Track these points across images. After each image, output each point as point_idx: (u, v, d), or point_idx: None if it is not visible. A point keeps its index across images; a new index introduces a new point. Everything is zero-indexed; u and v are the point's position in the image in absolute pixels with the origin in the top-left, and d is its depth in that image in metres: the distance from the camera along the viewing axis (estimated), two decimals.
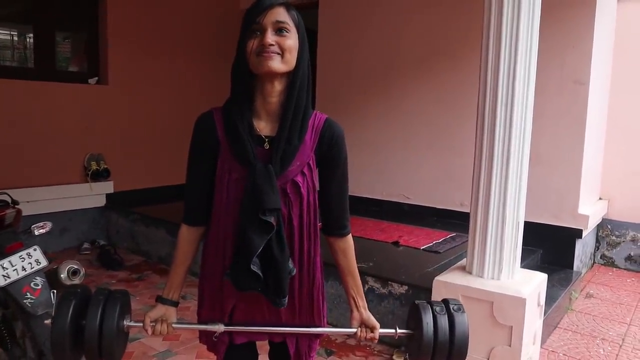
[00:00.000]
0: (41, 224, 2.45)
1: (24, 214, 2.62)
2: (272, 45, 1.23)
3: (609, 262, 4.60)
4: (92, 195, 4.75)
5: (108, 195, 4.87)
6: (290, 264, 1.35)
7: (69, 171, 4.61)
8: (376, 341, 1.49)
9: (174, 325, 1.42)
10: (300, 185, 1.32)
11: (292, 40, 1.26)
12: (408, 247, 3.62)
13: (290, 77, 1.29)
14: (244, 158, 1.28)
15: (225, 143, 1.32)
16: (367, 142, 4.88)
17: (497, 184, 2.46)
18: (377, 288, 2.98)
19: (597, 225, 4.54)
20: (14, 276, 2.17)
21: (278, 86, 1.29)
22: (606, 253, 4.62)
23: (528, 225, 3.50)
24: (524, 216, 2.55)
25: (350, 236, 1.47)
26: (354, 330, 1.45)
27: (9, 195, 2.51)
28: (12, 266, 2.18)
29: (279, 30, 1.25)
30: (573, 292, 3.68)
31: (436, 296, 2.57)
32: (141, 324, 1.39)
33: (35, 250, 2.29)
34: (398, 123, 4.73)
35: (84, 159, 4.70)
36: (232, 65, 1.32)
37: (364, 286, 2.99)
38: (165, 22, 5.20)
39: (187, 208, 1.43)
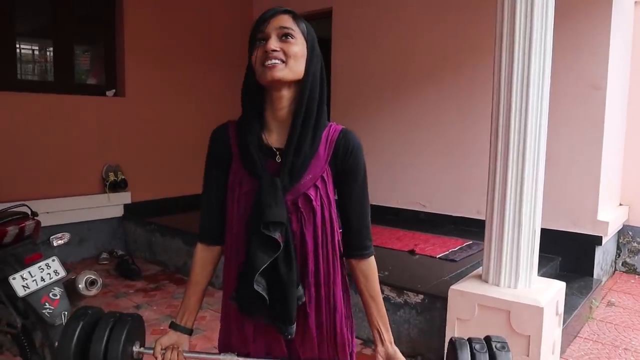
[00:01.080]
0: (59, 235, 2.49)
1: (43, 224, 2.66)
2: (275, 50, 1.18)
3: (631, 270, 4.51)
4: (110, 206, 4.81)
5: (126, 206, 4.93)
6: (300, 290, 1.26)
7: (87, 182, 4.69)
8: None
9: (185, 355, 1.33)
10: (313, 199, 1.24)
11: (297, 47, 1.21)
12: (424, 255, 3.60)
13: (299, 86, 1.23)
14: (253, 171, 1.24)
15: (237, 156, 1.29)
16: (382, 150, 4.88)
17: (512, 190, 2.43)
18: (393, 297, 2.96)
19: (618, 231, 4.46)
20: (33, 287, 2.21)
21: (286, 96, 1.24)
22: (628, 260, 4.53)
23: (546, 233, 3.44)
24: (540, 223, 2.52)
25: (372, 259, 1.35)
26: None
27: (28, 207, 2.56)
28: (32, 277, 2.22)
29: (284, 36, 1.20)
30: (593, 301, 3.61)
31: (452, 305, 2.55)
32: (151, 351, 1.33)
33: (53, 261, 2.33)
34: (413, 131, 4.72)
35: (102, 170, 4.77)
36: (243, 79, 1.28)
37: None
38: (181, 34, 5.28)
39: (202, 225, 1.39)
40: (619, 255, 4.55)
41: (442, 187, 4.55)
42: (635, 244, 4.48)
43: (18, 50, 4.48)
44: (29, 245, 2.44)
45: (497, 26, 2.46)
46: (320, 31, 5.58)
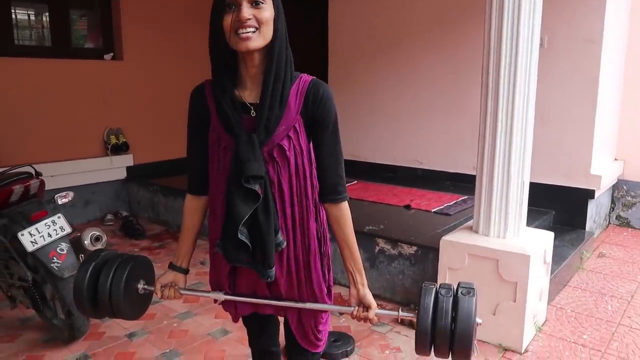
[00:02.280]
0: (64, 193, 2.59)
1: (48, 187, 2.75)
2: (249, 19, 1.23)
3: (624, 223, 4.59)
4: (113, 169, 4.90)
5: (128, 168, 5.02)
6: (280, 237, 1.36)
7: (89, 145, 4.76)
8: (373, 323, 1.44)
9: (180, 291, 1.51)
10: (286, 149, 1.33)
11: (268, 12, 1.26)
12: (419, 210, 3.68)
13: (269, 47, 1.29)
14: (230, 127, 1.32)
15: (215, 113, 1.36)
16: (381, 108, 4.90)
17: (501, 142, 2.49)
18: (388, 249, 3.06)
19: (613, 186, 4.52)
20: (41, 242, 2.32)
21: (258, 57, 1.30)
22: (621, 214, 4.61)
23: (540, 187, 3.49)
24: (529, 175, 2.59)
25: (345, 204, 1.42)
26: (351, 308, 1.41)
27: (32, 167, 2.64)
28: (39, 233, 2.33)
29: (255, 2, 1.24)
30: (584, 252, 3.71)
31: (443, 255, 2.65)
32: (153, 288, 1.50)
33: (59, 218, 2.43)
34: (411, 89, 4.73)
35: (104, 133, 4.83)
36: (208, 40, 1.33)
37: (374, 248, 3.09)
38: None
39: (189, 178, 1.50)
40: (613, 209, 4.63)
41: (439, 144, 4.60)
42: (629, 198, 4.55)
43: (14, 16, 4.47)
44: (35, 203, 2.54)
45: None
46: None
